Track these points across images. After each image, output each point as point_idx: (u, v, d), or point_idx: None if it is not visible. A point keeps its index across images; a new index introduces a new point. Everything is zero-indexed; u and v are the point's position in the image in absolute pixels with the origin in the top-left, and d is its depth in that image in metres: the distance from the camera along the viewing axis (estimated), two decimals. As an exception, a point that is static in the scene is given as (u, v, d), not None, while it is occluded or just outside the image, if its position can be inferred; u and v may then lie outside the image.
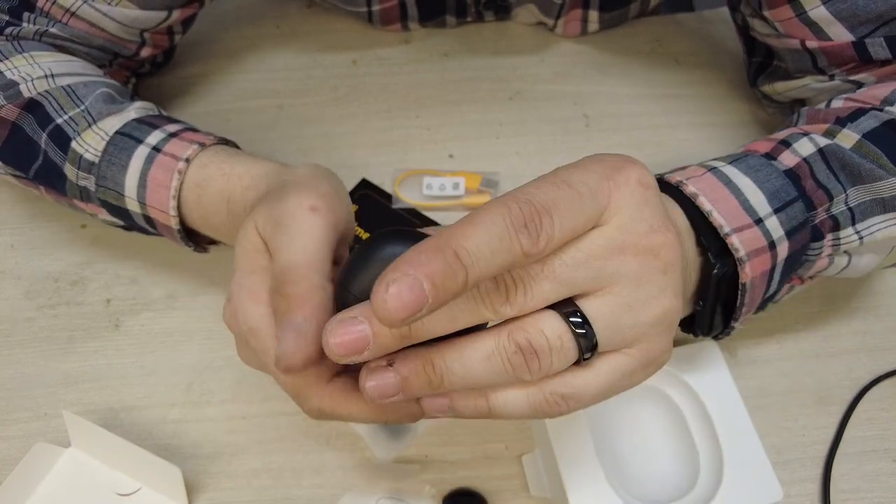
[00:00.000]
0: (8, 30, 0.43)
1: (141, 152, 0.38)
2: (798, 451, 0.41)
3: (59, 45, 0.45)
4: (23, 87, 0.41)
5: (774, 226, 0.34)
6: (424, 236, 0.24)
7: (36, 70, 0.42)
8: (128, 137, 0.39)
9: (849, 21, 0.41)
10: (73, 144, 0.39)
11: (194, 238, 0.41)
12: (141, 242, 0.48)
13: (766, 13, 0.45)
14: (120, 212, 0.40)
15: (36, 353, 0.44)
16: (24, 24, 0.43)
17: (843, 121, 0.39)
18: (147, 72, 0.54)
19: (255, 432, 0.41)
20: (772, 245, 0.34)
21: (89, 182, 0.40)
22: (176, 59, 0.58)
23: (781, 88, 0.49)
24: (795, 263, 0.36)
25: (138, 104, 0.42)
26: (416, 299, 0.20)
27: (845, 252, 0.38)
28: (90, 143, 0.39)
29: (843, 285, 0.47)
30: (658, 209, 0.26)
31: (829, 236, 0.37)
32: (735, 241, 0.32)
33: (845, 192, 0.36)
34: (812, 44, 0.43)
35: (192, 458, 0.40)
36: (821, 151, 0.37)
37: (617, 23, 0.60)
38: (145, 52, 0.50)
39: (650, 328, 0.25)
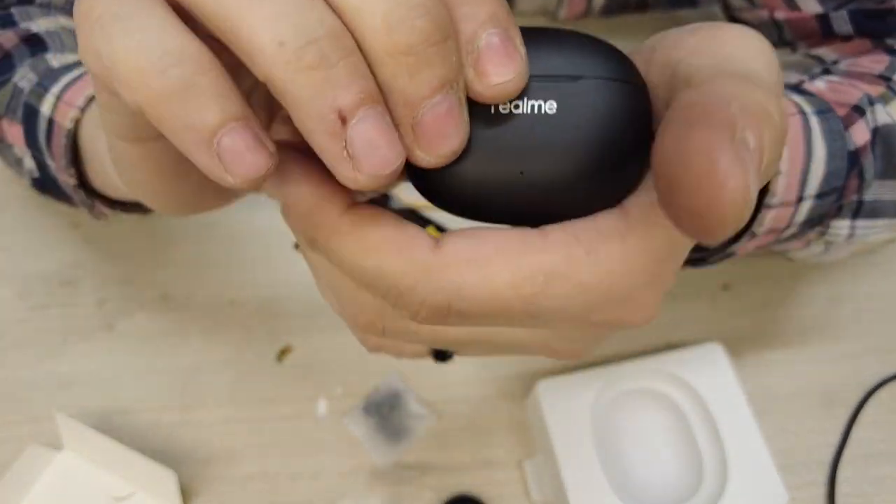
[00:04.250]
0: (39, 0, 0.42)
1: None
2: (803, 454, 0.40)
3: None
4: (32, 25, 0.39)
5: (804, 210, 0.31)
6: None
7: (54, 25, 0.40)
8: None
9: None
10: (48, 55, 0.37)
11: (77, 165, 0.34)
12: (134, 243, 0.47)
13: None
14: (29, 115, 0.35)
15: (29, 354, 0.43)
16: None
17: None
18: None
19: (251, 436, 0.41)
20: (785, 228, 0.32)
21: (28, 81, 0.35)
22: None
23: None
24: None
25: None
26: None
27: (827, 243, 0.35)
28: (64, 57, 0.37)
29: (849, 288, 0.46)
30: None
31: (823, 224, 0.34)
32: (767, 216, 0.30)
33: (872, 182, 0.33)
34: (780, 14, 0.42)
35: (187, 461, 0.40)
36: (875, 132, 0.32)
37: (621, 6, 0.60)
38: None
39: None
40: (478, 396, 0.42)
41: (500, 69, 0.15)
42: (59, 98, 0.34)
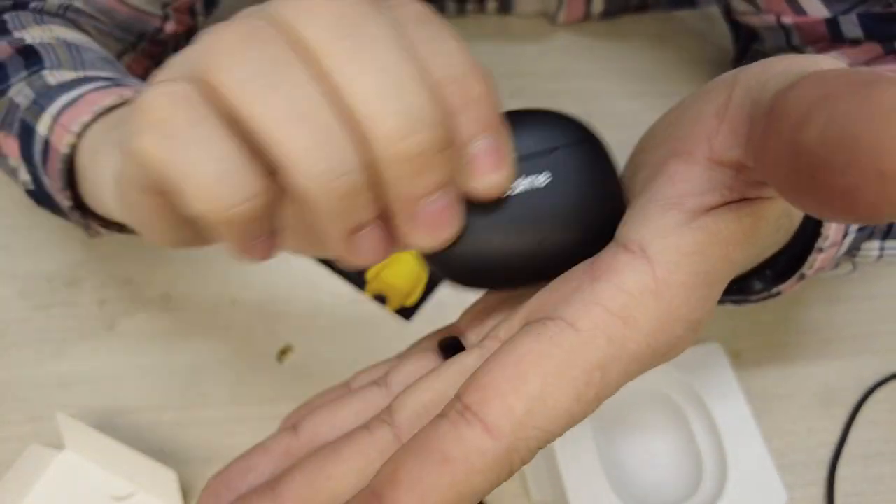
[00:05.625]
0: (33, 4, 0.42)
1: (101, 83, 0.35)
2: (802, 454, 0.40)
3: (83, 23, 0.44)
4: (26, 35, 0.39)
5: (846, 244, 0.31)
6: None
7: (48, 35, 0.40)
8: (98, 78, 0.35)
9: None
10: (44, 72, 0.37)
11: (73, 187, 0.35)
12: (136, 242, 0.47)
13: None
14: (25, 131, 0.35)
15: (30, 354, 0.43)
16: None
17: None
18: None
19: (253, 435, 0.40)
20: (828, 264, 0.31)
21: (25, 97, 0.36)
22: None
23: None
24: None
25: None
26: None
27: (855, 264, 0.35)
28: (61, 74, 0.36)
29: (848, 287, 0.46)
30: None
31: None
32: (818, 259, 0.30)
33: None
34: (787, 19, 0.43)
35: (188, 461, 0.39)
36: None
37: (621, 9, 0.60)
38: (169, 28, 0.48)
39: None
40: (478, 396, 0.42)
41: (490, 172, 0.17)
42: (55, 120, 0.34)
